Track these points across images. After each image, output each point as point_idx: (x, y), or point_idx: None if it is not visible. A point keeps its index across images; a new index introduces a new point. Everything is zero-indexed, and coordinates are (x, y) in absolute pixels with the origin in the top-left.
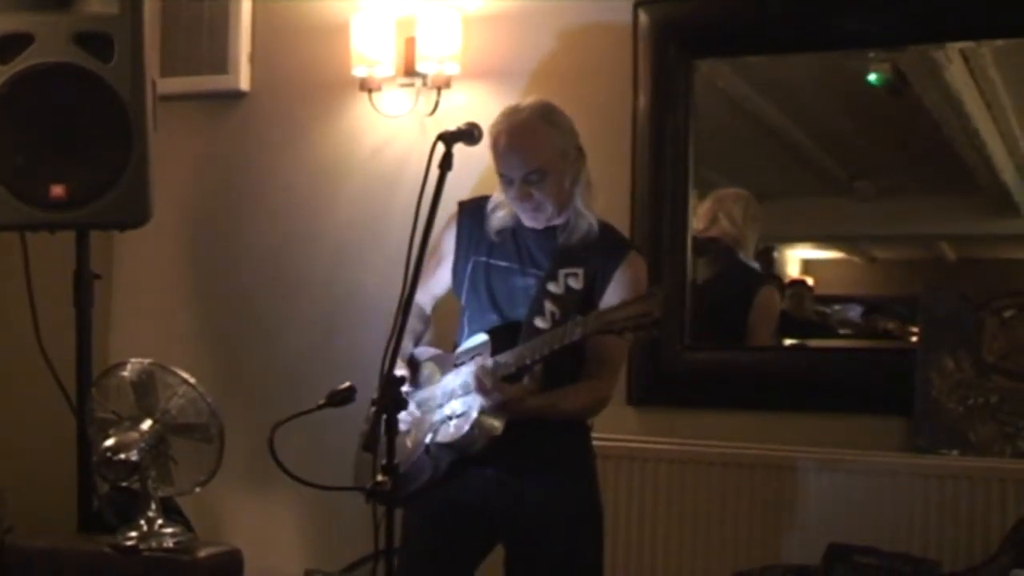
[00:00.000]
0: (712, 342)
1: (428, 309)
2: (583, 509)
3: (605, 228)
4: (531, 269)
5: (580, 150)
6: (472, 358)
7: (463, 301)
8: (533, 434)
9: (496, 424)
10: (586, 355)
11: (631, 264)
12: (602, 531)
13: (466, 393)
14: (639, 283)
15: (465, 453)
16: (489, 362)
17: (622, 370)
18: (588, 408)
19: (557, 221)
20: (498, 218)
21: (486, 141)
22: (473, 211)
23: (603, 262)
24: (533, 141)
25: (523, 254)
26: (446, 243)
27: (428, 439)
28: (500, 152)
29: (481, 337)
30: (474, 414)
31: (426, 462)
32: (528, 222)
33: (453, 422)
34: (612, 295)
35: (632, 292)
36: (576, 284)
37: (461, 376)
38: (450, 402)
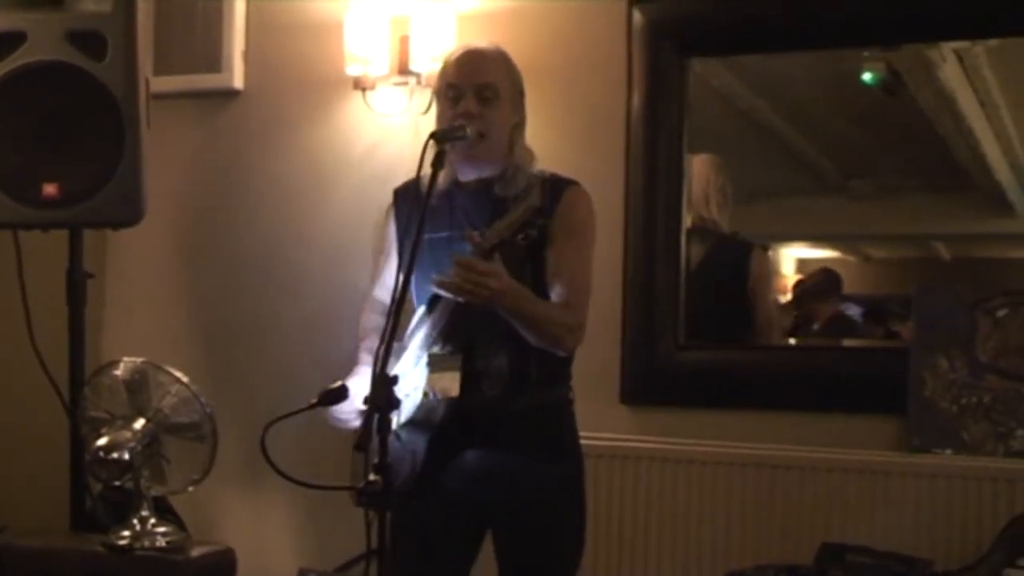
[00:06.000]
0: (705, 341)
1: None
2: (567, 487)
3: (544, 174)
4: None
5: (524, 107)
6: (415, 333)
7: (412, 285)
8: (511, 412)
9: (449, 385)
10: (547, 285)
11: (571, 197)
12: (584, 510)
13: (415, 366)
14: (582, 215)
15: (431, 425)
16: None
17: (587, 292)
18: (559, 324)
19: (490, 172)
20: (437, 181)
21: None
22: (407, 192)
23: (546, 205)
24: (494, 61)
25: (460, 218)
26: (388, 235)
27: (395, 425)
28: (457, 61)
29: (419, 311)
30: (423, 383)
31: (402, 451)
32: (467, 167)
33: (409, 398)
34: (556, 233)
35: (576, 225)
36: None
37: (410, 353)
38: (404, 381)
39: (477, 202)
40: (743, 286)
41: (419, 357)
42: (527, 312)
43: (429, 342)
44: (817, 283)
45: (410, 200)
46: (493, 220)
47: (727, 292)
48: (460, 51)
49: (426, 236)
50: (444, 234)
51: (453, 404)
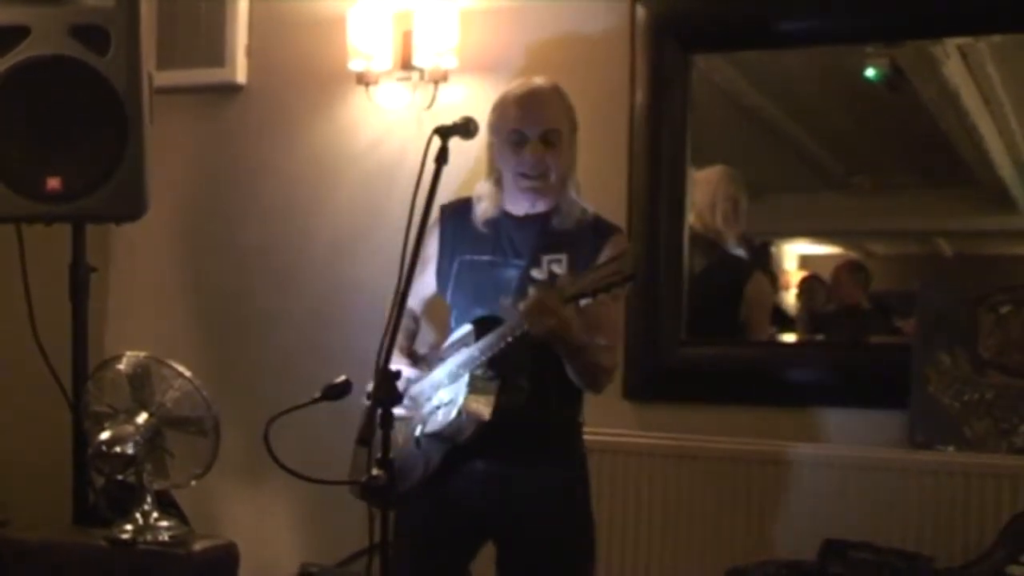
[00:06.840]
0: (708, 337)
1: (418, 311)
2: (572, 500)
3: (596, 216)
4: (514, 260)
5: (577, 141)
6: (458, 349)
7: (449, 300)
8: (524, 426)
9: (483, 409)
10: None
11: (616, 244)
12: (592, 523)
13: (453, 382)
14: None
15: (454, 442)
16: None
17: (621, 337)
18: (601, 368)
19: (543, 207)
20: (483, 208)
21: (483, 132)
22: (455, 212)
23: (589, 245)
24: (554, 102)
25: (505, 246)
26: (430, 247)
27: (418, 431)
28: (520, 104)
29: (465, 327)
30: (460, 401)
31: (417, 456)
32: (522, 200)
33: (440, 411)
34: None
35: None
36: (560, 270)
37: (447, 367)
38: (437, 393)
39: (529, 232)
40: (737, 308)
41: (458, 375)
42: (584, 354)
43: (474, 364)
44: (837, 312)
45: (458, 221)
46: (542, 251)
47: (722, 311)
48: (521, 91)
49: (468, 257)
50: (487, 258)
51: (481, 427)
